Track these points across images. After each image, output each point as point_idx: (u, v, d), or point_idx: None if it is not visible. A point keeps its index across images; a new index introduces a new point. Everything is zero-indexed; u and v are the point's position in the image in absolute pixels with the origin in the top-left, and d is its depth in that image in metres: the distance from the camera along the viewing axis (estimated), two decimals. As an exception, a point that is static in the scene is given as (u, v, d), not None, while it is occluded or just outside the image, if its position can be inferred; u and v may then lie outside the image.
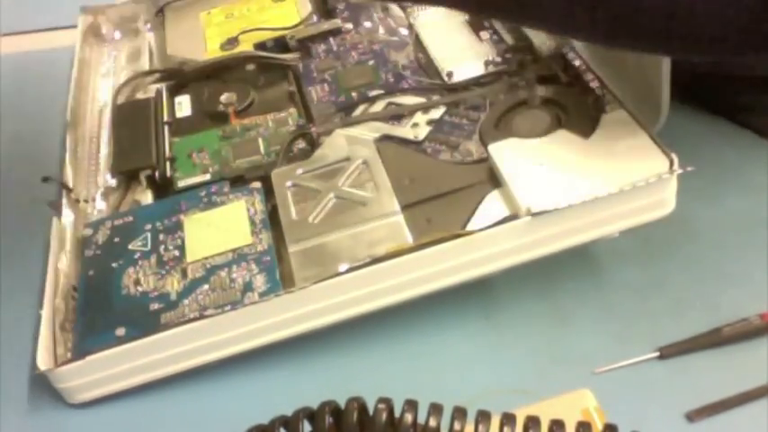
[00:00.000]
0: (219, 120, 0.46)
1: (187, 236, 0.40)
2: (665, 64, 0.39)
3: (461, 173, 0.39)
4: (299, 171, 0.41)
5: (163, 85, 0.49)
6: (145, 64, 0.53)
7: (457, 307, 0.39)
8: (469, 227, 0.36)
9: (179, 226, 0.40)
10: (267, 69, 0.49)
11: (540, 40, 0.45)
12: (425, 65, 0.47)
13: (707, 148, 0.46)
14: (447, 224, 0.37)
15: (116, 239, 0.40)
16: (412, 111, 0.43)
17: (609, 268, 0.40)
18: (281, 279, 0.37)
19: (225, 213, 0.40)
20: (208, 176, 0.43)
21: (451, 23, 0.49)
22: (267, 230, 0.39)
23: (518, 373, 0.36)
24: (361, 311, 0.36)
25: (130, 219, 0.41)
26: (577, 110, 0.40)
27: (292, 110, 0.46)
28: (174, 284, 0.38)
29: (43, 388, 0.36)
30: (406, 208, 0.38)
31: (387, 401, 0.26)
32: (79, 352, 0.36)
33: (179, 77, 0.50)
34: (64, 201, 0.43)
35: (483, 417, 0.26)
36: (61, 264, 0.40)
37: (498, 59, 0.45)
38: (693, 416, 0.34)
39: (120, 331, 0.36)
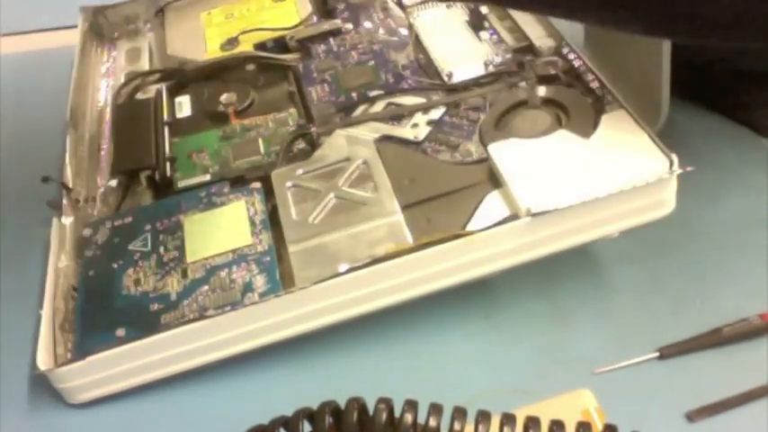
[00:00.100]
0: (219, 120, 0.46)
1: (187, 236, 0.40)
2: (665, 63, 0.39)
3: (461, 173, 0.39)
4: (299, 171, 0.41)
5: (163, 85, 0.49)
6: (145, 64, 0.53)
7: (457, 307, 0.39)
8: (469, 227, 0.36)
9: (179, 226, 0.40)
10: (267, 69, 0.49)
11: (541, 40, 0.45)
12: (425, 65, 0.47)
13: (707, 148, 0.46)
14: (447, 224, 0.37)
15: (116, 240, 0.40)
16: (412, 111, 0.43)
17: (609, 268, 0.40)
18: (281, 279, 0.37)
19: (225, 213, 0.40)
20: (208, 177, 0.43)
21: (451, 23, 0.49)
22: (267, 231, 0.39)
23: (518, 373, 0.36)
24: (361, 311, 0.36)
25: (130, 219, 0.41)
26: (577, 110, 0.40)
27: (292, 110, 0.46)
28: (173, 285, 0.38)
29: (43, 388, 0.36)
30: (406, 208, 0.38)
31: (387, 401, 0.26)
32: (79, 352, 0.36)
33: (179, 77, 0.50)
34: (64, 201, 0.43)
35: (483, 417, 0.26)
36: (61, 264, 0.40)
37: (498, 59, 0.45)
38: (693, 416, 0.34)
39: (121, 332, 0.36)
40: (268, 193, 0.41)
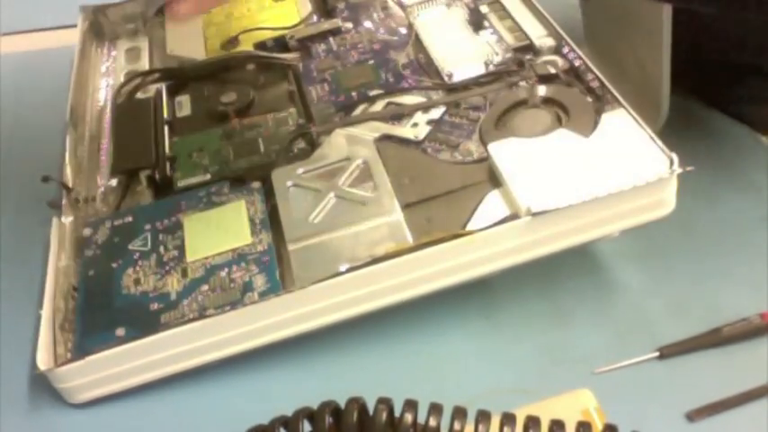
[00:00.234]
0: (219, 120, 0.46)
1: (187, 236, 0.40)
2: (666, 62, 0.39)
3: (461, 173, 0.39)
4: (299, 171, 0.41)
5: (163, 85, 0.49)
6: (145, 64, 0.53)
7: (457, 307, 0.39)
8: (469, 226, 0.36)
9: (179, 226, 0.40)
10: (267, 69, 0.49)
11: (540, 39, 0.45)
12: (425, 64, 0.47)
13: (707, 147, 0.46)
14: (447, 224, 0.37)
15: (116, 239, 0.40)
16: (412, 111, 0.43)
17: (609, 268, 0.40)
18: (281, 279, 0.37)
19: (225, 213, 0.40)
20: (208, 176, 0.42)
21: (451, 23, 0.49)
22: (267, 230, 0.39)
23: (518, 373, 0.36)
24: (361, 311, 0.36)
25: (130, 219, 0.41)
26: (577, 109, 0.40)
27: (292, 110, 0.45)
28: (173, 284, 0.38)
29: (43, 388, 0.36)
30: (406, 208, 0.38)
31: (387, 401, 0.26)
32: (79, 352, 0.36)
33: (179, 77, 0.50)
34: (64, 201, 0.43)
35: (483, 417, 0.26)
36: (61, 263, 0.40)
37: (498, 59, 0.45)
38: (693, 416, 0.34)
39: (120, 331, 0.36)
40: (268, 192, 0.41)
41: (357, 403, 0.26)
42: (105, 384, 0.36)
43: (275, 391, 0.36)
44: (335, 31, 0.50)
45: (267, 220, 0.39)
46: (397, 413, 0.26)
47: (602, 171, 0.36)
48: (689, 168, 0.35)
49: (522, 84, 0.43)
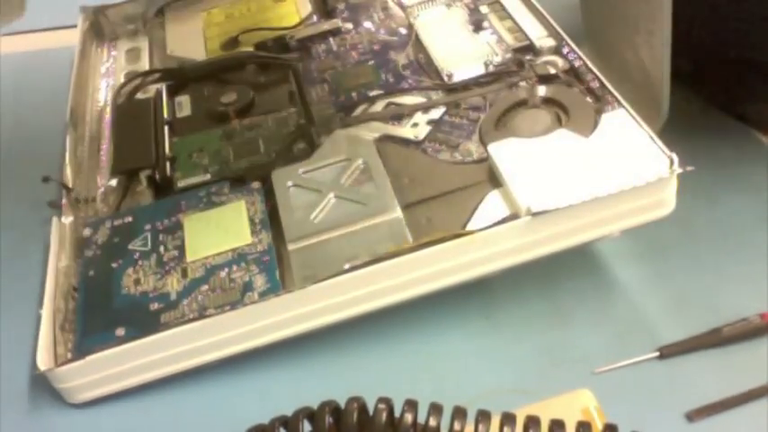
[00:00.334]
0: (219, 120, 0.46)
1: (187, 236, 0.40)
2: (666, 62, 0.39)
3: (461, 173, 0.39)
4: (300, 171, 0.41)
5: (163, 85, 0.49)
6: (145, 64, 0.53)
7: (457, 307, 0.39)
8: (469, 227, 0.36)
9: (179, 226, 0.40)
10: (267, 69, 0.49)
11: (540, 39, 0.45)
12: (425, 65, 0.47)
13: (707, 147, 0.46)
14: (447, 224, 0.37)
15: (116, 239, 0.40)
16: (412, 111, 0.43)
17: (609, 268, 0.40)
18: (281, 279, 0.37)
19: (225, 213, 0.40)
20: (208, 176, 0.42)
21: (451, 23, 0.49)
22: (267, 230, 0.39)
23: (518, 373, 0.36)
24: (361, 311, 0.36)
25: (130, 219, 0.41)
26: (577, 109, 0.40)
27: (292, 110, 0.46)
28: (173, 284, 0.38)
29: (43, 388, 0.36)
30: (406, 208, 0.38)
31: (387, 401, 0.26)
32: (79, 352, 0.36)
33: (179, 77, 0.50)
34: (64, 201, 0.43)
35: (483, 417, 0.26)
36: (61, 264, 0.40)
37: (498, 59, 0.45)
38: (693, 416, 0.34)
39: (120, 331, 0.36)
40: (268, 192, 0.41)
41: (357, 403, 0.26)
42: (105, 384, 0.36)
43: (275, 391, 0.36)
44: (335, 32, 0.50)
45: (267, 220, 0.39)
46: (397, 413, 0.26)
47: (603, 171, 0.36)
48: (689, 168, 0.35)
49: (522, 84, 0.43)
